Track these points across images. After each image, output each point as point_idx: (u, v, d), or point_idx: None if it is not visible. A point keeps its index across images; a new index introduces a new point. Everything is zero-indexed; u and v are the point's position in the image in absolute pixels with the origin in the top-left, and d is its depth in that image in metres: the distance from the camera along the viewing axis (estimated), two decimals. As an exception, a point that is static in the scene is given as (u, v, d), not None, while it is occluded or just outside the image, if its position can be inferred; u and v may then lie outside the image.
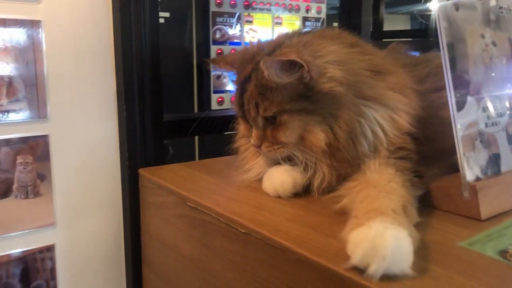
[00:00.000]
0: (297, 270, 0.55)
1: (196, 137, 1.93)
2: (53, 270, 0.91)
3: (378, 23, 2.19)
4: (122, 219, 0.97)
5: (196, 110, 1.70)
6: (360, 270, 0.48)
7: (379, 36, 2.12)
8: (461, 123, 0.65)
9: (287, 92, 0.69)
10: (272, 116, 0.71)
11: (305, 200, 0.72)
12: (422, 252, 0.53)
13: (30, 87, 0.84)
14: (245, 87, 0.74)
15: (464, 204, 0.65)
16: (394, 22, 3.43)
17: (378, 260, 0.47)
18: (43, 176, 0.88)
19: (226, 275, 0.69)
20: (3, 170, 0.83)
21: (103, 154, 0.95)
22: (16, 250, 0.86)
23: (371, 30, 1.93)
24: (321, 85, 0.68)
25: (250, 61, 0.74)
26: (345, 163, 0.69)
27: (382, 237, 0.49)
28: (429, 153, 0.73)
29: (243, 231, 0.64)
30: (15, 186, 0.85)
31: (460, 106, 0.65)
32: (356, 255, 0.49)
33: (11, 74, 0.82)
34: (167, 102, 1.02)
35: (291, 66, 0.66)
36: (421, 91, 0.78)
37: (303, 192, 0.75)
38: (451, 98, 0.63)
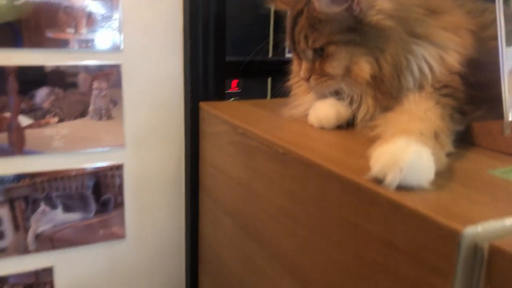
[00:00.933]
0: (325, 184, 0.59)
1: (269, 81, 1.97)
2: (121, 186, 1.02)
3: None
4: (183, 146, 1.06)
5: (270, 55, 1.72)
6: (379, 181, 0.52)
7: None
8: (509, 59, 0.64)
9: (336, 24, 0.71)
10: (321, 48, 0.74)
11: (346, 131, 0.76)
12: (447, 175, 0.55)
13: (106, 20, 0.93)
14: (297, 20, 0.77)
15: (505, 141, 0.64)
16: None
17: (395, 171, 0.50)
18: (115, 101, 0.98)
19: (266, 193, 0.74)
20: (81, 93, 0.94)
21: (169, 86, 1.03)
22: (90, 165, 0.98)
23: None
24: (370, 18, 0.69)
25: (304, -3, 0.77)
26: (388, 95, 0.71)
27: (402, 151, 0.51)
28: (480, 97, 0.72)
29: (281, 151, 0.69)
30: (91, 108, 0.95)
31: (511, 41, 0.64)
32: (376, 166, 0.52)
33: (90, 7, 0.92)
34: (243, 46, 1.08)
35: (341, -3, 0.68)
36: (483, 37, 0.76)
37: (346, 126, 0.78)
38: (500, 30, 0.62)
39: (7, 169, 0.91)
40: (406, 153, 0.51)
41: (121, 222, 1.04)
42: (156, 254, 1.10)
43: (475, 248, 0.41)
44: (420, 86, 0.71)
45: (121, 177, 1.02)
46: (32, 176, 0.93)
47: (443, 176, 0.54)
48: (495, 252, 0.39)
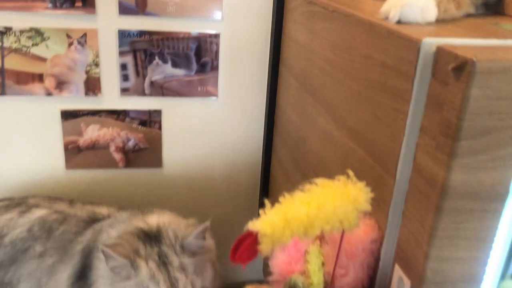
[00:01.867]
0: (355, 29, 0.74)
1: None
2: (217, 53, 1.25)
3: None
4: (270, 23, 1.24)
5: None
6: (385, 18, 0.65)
7: None
8: None
9: None
10: None
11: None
12: (452, 22, 0.67)
13: None
14: None
15: (528, 8, 0.72)
16: None
17: (396, 8, 0.63)
18: (218, -21, 1.18)
19: (319, 49, 0.91)
20: (191, -32, 1.16)
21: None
22: (194, 30, 1.21)
23: None
24: None
25: None
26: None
27: (407, -5, 0.64)
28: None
29: (331, 9, 0.84)
30: (198, -18, 1.17)
31: None
32: (384, 7, 0.66)
33: None
34: None
35: None
36: None
37: None
38: None
39: (133, 25, 1.18)
40: (409, -4, 0.64)
41: (215, 83, 1.28)
42: (241, 115, 1.33)
43: (432, 54, 0.55)
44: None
45: (217, 44, 1.24)
46: (150, 33, 1.20)
47: (447, 22, 0.66)
48: (438, 51, 0.53)
